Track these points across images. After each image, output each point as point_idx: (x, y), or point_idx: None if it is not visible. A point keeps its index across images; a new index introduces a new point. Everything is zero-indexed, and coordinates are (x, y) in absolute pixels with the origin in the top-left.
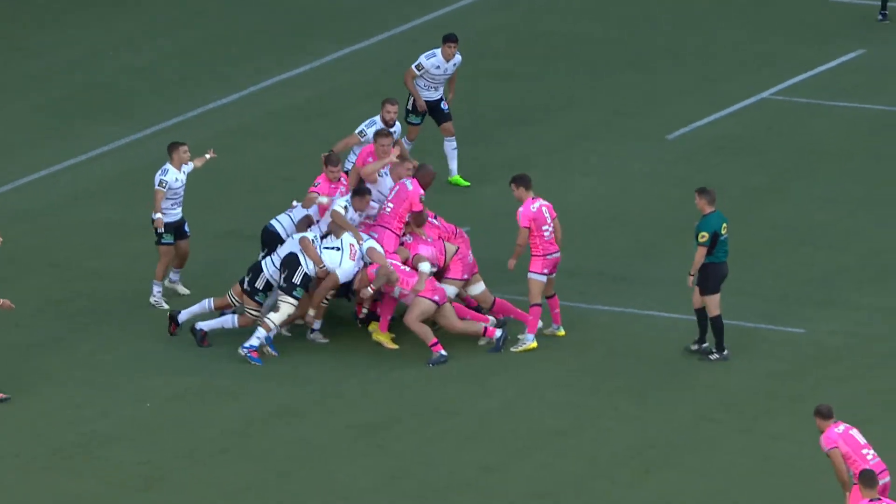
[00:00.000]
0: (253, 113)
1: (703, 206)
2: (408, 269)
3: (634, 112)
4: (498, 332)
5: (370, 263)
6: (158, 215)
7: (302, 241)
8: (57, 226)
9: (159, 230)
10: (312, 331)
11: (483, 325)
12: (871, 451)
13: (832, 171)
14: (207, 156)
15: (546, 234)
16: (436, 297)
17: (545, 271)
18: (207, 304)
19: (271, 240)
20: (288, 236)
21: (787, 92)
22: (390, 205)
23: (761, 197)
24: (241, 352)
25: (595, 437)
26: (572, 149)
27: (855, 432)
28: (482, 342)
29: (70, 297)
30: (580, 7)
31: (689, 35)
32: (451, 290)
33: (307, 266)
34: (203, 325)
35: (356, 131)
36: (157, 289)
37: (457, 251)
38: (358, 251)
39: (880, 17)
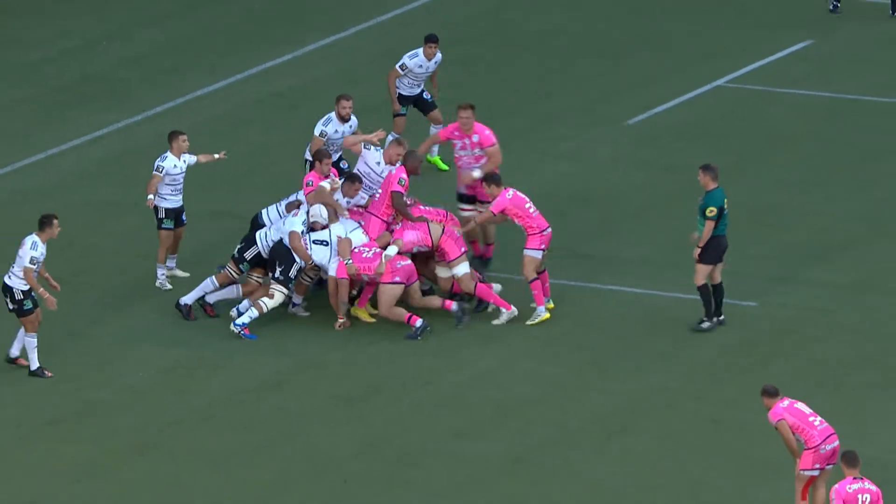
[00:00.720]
0: (239, 100)
1: (707, 183)
2: (372, 253)
3: (597, 99)
4: (454, 306)
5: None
6: (150, 196)
7: (291, 236)
8: (55, 206)
9: (159, 215)
10: (294, 305)
11: (440, 299)
12: (818, 418)
13: (784, 154)
14: (216, 156)
15: (532, 211)
16: (397, 279)
17: (542, 247)
18: (209, 282)
19: (258, 229)
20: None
21: (741, 80)
22: (379, 190)
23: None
24: (234, 329)
25: (561, 406)
26: (539, 134)
27: (800, 405)
28: (499, 321)
29: (69, 274)
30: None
31: (647, 26)
32: (461, 269)
33: (301, 261)
34: (186, 299)
35: (316, 133)
36: (160, 272)
37: (443, 231)
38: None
39: (832, 7)
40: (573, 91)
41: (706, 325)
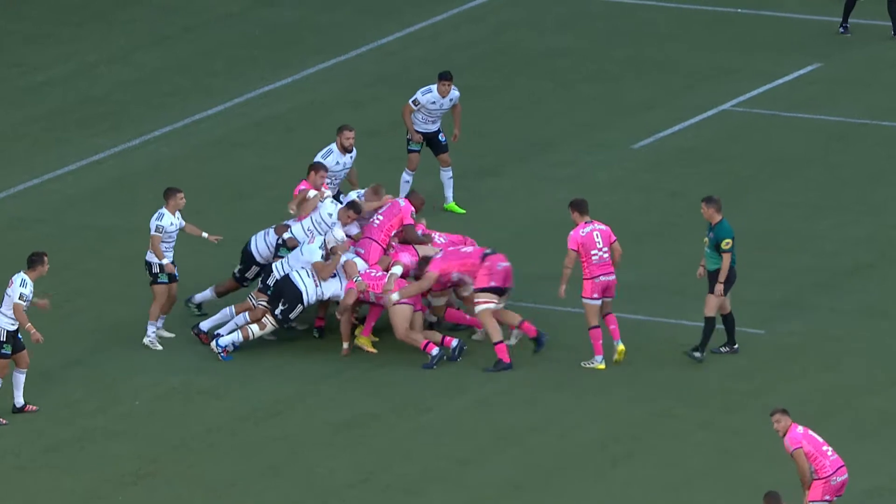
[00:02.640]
0: (236, 123)
1: (712, 215)
2: (380, 274)
3: (601, 123)
4: (435, 350)
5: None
6: (165, 261)
7: (316, 267)
8: (53, 230)
9: (153, 270)
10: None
11: (425, 341)
12: (830, 448)
13: (789, 178)
14: (206, 235)
15: (594, 258)
16: (405, 300)
17: (595, 295)
18: (228, 311)
19: (247, 259)
20: (262, 257)
21: (747, 104)
22: (380, 217)
23: (722, 203)
24: (215, 349)
25: (563, 433)
26: (541, 158)
27: (812, 433)
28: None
29: (66, 299)
30: (550, 22)
31: (652, 49)
32: (440, 301)
33: (308, 300)
34: (229, 341)
35: None
36: (151, 329)
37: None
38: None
39: (841, 29)
40: (574, 115)
41: (698, 355)
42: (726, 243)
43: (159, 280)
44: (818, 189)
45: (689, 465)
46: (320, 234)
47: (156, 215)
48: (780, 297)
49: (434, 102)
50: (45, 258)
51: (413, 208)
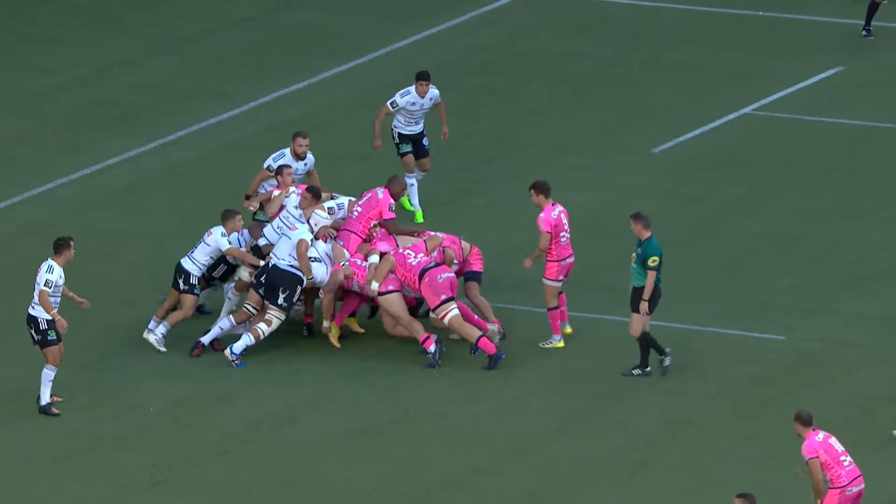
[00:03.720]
0: (251, 127)
1: (641, 231)
2: (365, 263)
3: (620, 127)
4: (432, 347)
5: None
6: (259, 262)
7: (300, 244)
8: (66, 235)
9: (191, 280)
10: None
11: (426, 335)
12: (848, 458)
13: (810, 183)
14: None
15: (563, 240)
16: (390, 287)
17: (561, 277)
18: (227, 322)
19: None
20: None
21: (768, 108)
22: (359, 209)
23: (743, 208)
24: (229, 357)
25: (580, 440)
26: (559, 163)
27: (833, 440)
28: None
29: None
30: (566, 25)
31: (672, 52)
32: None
33: (304, 279)
34: (242, 346)
35: (264, 166)
36: (163, 329)
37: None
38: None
39: (864, 32)
40: (593, 119)
41: (637, 372)
42: (652, 261)
43: (195, 291)
44: (840, 194)
45: (705, 473)
46: (300, 225)
47: (226, 237)
48: (802, 303)
49: (414, 103)
50: (72, 242)
51: (392, 200)
